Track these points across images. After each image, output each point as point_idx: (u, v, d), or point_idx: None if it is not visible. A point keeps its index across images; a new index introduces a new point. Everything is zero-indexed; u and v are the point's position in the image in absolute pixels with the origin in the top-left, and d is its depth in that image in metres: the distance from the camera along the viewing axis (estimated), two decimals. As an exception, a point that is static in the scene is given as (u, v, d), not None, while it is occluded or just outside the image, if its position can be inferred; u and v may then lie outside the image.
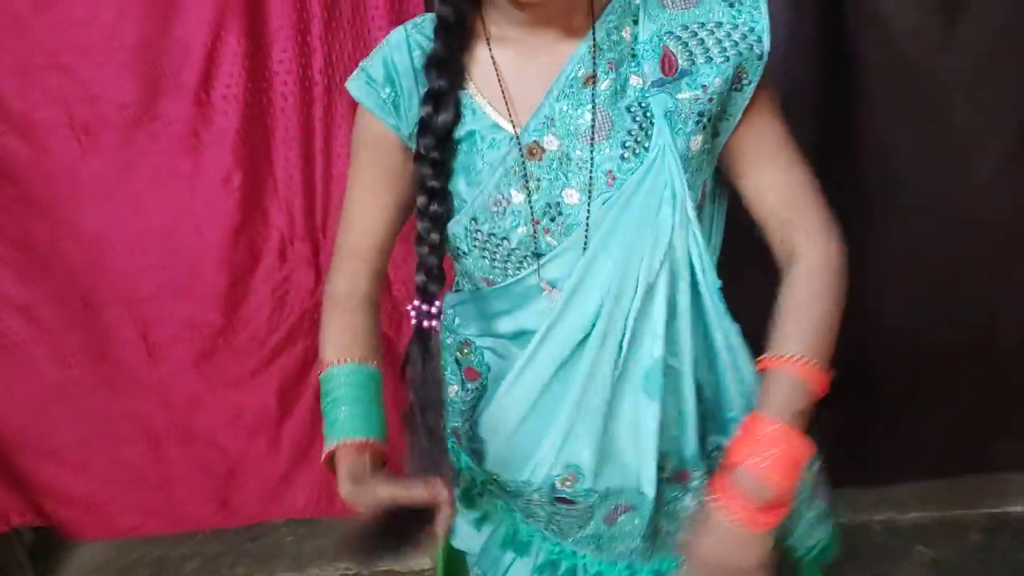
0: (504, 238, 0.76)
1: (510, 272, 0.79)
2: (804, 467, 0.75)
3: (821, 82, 1.34)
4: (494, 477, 0.87)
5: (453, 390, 0.92)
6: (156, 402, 1.44)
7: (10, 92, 1.20)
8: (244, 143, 1.25)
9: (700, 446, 0.82)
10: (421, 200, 0.75)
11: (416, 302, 0.77)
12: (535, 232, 0.75)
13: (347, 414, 0.78)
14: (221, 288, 1.35)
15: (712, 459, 0.84)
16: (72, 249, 1.32)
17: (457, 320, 0.89)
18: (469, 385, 0.90)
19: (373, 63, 0.77)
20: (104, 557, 1.80)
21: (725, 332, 0.78)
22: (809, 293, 0.76)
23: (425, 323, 0.77)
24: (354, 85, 0.78)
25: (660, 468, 0.81)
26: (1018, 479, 1.95)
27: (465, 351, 0.89)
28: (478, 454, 0.88)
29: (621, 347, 0.76)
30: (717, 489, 0.74)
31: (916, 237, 1.53)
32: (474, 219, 0.76)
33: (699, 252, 0.75)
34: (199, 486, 1.53)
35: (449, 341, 0.90)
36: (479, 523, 0.97)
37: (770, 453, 0.71)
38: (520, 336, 0.82)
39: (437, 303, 0.77)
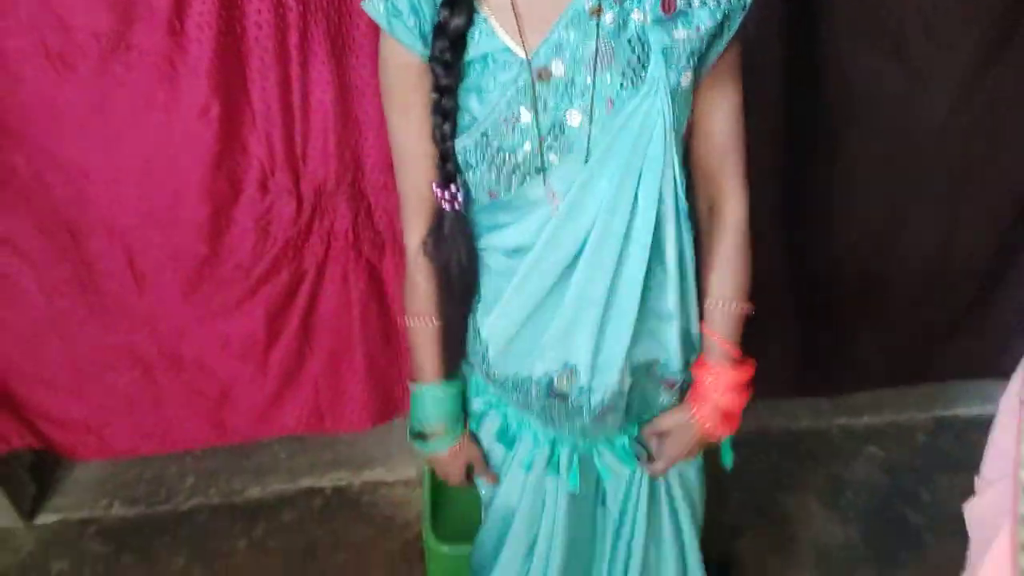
0: (511, 152, 0.84)
1: (515, 185, 0.86)
2: (748, 385, 0.97)
3: (785, 13, 1.37)
4: (493, 374, 0.99)
5: None
6: (146, 331, 1.48)
7: (-21, 21, 1.18)
8: (219, 72, 1.24)
9: (681, 353, 0.96)
10: (434, 97, 0.83)
11: (438, 188, 0.89)
12: (540, 149, 0.83)
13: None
14: (203, 219, 1.36)
15: (686, 368, 0.99)
16: (54, 180, 1.32)
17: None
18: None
19: None
20: (103, 474, 1.89)
21: (685, 248, 0.91)
22: (738, 245, 0.94)
23: (448, 206, 0.89)
24: (377, 13, 0.82)
25: (648, 369, 0.96)
26: (963, 386, 2.10)
27: None
28: (481, 354, 0.99)
29: (617, 254, 0.86)
30: (692, 405, 0.98)
31: (876, 159, 1.60)
32: (485, 134, 0.83)
33: (679, 178, 0.85)
34: (192, 409, 1.59)
35: None
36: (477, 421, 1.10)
37: (726, 384, 0.95)
38: (519, 251, 0.91)
39: (453, 189, 0.88)
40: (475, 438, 1.10)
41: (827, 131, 1.55)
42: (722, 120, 0.89)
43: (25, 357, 1.48)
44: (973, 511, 0.71)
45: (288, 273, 1.44)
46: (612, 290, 0.88)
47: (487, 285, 0.97)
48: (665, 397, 1.01)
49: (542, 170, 0.84)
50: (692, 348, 0.98)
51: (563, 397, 0.96)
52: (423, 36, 0.81)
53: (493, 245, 0.93)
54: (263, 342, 1.51)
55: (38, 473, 1.83)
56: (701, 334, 0.97)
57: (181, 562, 1.69)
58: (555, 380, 0.95)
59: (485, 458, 1.10)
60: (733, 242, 0.94)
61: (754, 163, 1.52)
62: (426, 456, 1.09)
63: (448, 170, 0.87)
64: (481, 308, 0.98)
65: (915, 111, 1.54)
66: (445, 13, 0.80)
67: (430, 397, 1.03)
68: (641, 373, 0.96)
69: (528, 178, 0.86)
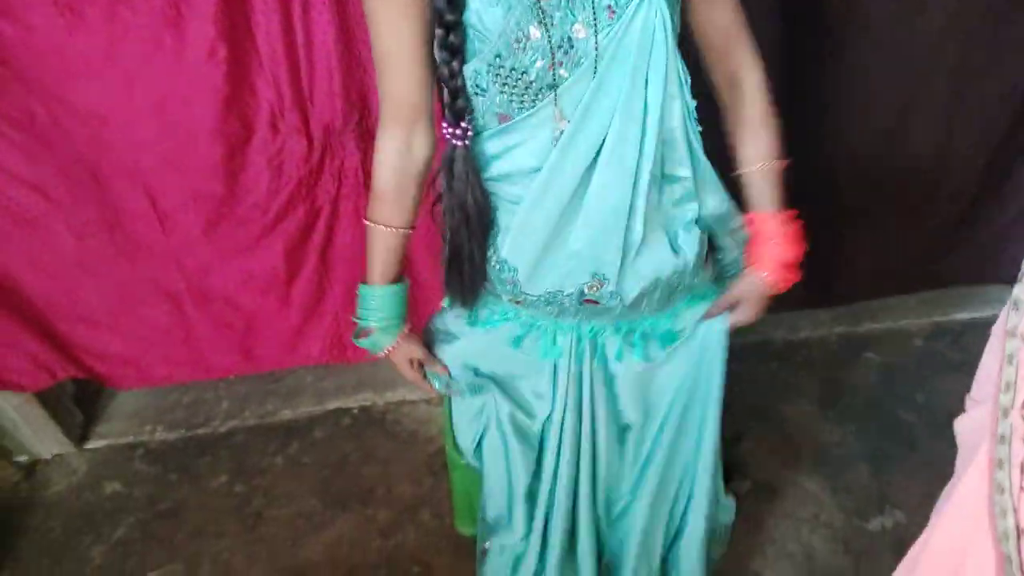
0: (524, 72, 0.85)
1: (526, 105, 0.88)
2: (800, 236, 1.05)
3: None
4: (526, 297, 1.02)
5: None
6: (172, 267, 1.56)
7: (-13, -29, 1.20)
8: (224, 16, 1.26)
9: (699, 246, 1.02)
10: (439, 33, 0.84)
11: (447, 127, 0.90)
12: (552, 65, 0.85)
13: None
14: (218, 159, 1.41)
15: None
16: (72, 126, 1.36)
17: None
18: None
19: None
20: (143, 402, 2.01)
21: (694, 144, 0.95)
22: (763, 107, 1.01)
23: (457, 143, 0.90)
24: None
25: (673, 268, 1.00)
26: (960, 291, 2.15)
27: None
28: (509, 280, 1.01)
29: (636, 159, 0.89)
30: (755, 266, 1.05)
31: (878, 71, 1.60)
32: (498, 55, 0.85)
33: (683, 75, 0.89)
34: (221, 339, 1.68)
35: None
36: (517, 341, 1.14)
37: (782, 235, 1.03)
38: (531, 173, 0.92)
39: (464, 124, 0.89)
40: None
41: (828, 38, 1.55)
42: (721, 8, 0.94)
43: (62, 295, 1.57)
44: (962, 425, 0.77)
45: (303, 210, 1.50)
46: (635, 194, 0.91)
47: (502, 213, 0.98)
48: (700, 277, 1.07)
49: (554, 86, 0.86)
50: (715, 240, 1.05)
51: (595, 302, 1.01)
52: None
53: (503, 172, 0.94)
54: (284, 276, 1.59)
55: (83, 403, 1.96)
56: (742, 201, 1.04)
57: (224, 479, 1.83)
58: (586, 290, 0.99)
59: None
60: (759, 106, 1.00)
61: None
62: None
63: (459, 107, 0.88)
64: (501, 236, 0.99)
65: (914, 26, 1.53)
66: None
67: (370, 297, 1.04)
68: (668, 273, 1.00)
69: (540, 95, 0.87)
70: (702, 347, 1.14)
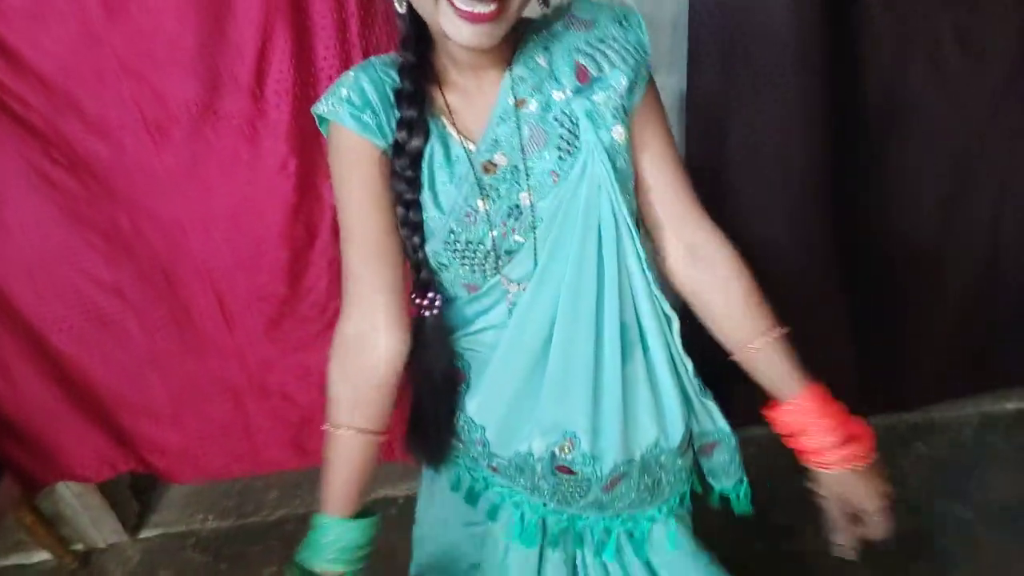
0: (480, 243, 0.86)
1: (488, 273, 0.89)
2: (838, 402, 0.91)
3: (828, 27, 1.45)
4: (496, 460, 0.96)
5: None
6: (235, 364, 1.63)
7: (87, 97, 1.32)
8: (297, 132, 1.38)
9: (682, 420, 0.93)
10: (400, 212, 0.86)
11: (415, 297, 0.90)
12: (504, 233, 0.86)
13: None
14: (283, 262, 1.50)
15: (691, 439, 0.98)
16: (152, 233, 1.48)
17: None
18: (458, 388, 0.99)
19: (350, 91, 0.85)
20: (195, 491, 2.06)
21: (657, 297, 0.91)
22: (733, 271, 0.91)
23: (427, 313, 0.90)
24: (335, 111, 0.84)
25: (654, 445, 0.92)
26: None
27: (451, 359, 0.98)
28: (479, 441, 0.96)
29: (594, 311, 0.87)
30: (814, 462, 0.91)
31: (920, 167, 1.65)
32: (452, 231, 0.86)
33: (634, 230, 0.88)
34: (277, 434, 1.74)
35: None
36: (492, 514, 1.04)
37: (824, 417, 0.89)
38: (498, 332, 0.91)
39: (431, 294, 0.89)
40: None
41: (869, 139, 1.61)
42: (658, 155, 0.90)
43: (130, 391, 1.64)
44: None
45: (361, 308, 1.57)
46: (598, 347, 0.88)
47: (475, 370, 0.95)
48: (683, 462, 0.98)
49: (512, 251, 0.87)
50: (692, 412, 0.96)
51: (569, 470, 0.92)
52: (381, 130, 0.85)
53: (480, 328, 0.94)
54: (340, 370, 1.65)
55: (138, 492, 2.01)
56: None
57: (274, 568, 1.84)
58: (557, 453, 0.91)
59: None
60: (729, 272, 0.91)
61: (799, 174, 1.52)
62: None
63: (423, 279, 0.89)
64: (469, 395, 0.95)
65: (955, 113, 1.59)
66: (403, 136, 0.83)
67: (333, 533, 0.89)
68: (647, 447, 0.93)
69: (501, 262, 0.88)
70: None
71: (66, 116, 1.34)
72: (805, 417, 0.90)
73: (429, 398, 0.95)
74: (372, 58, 0.90)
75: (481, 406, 0.94)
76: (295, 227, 1.47)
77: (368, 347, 0.88)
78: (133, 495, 1.99)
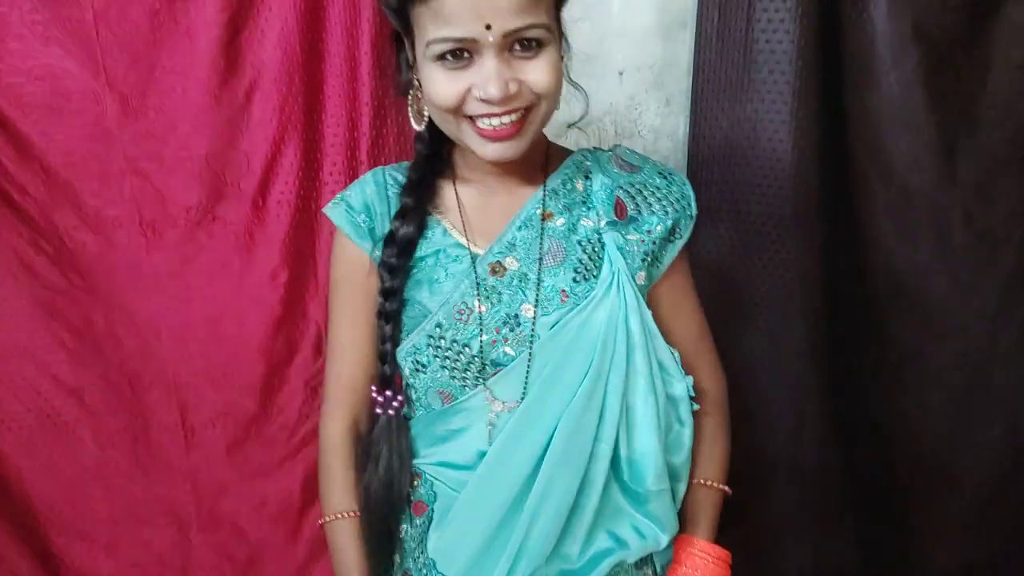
0: (465, 345, 0.83)
1: (468, 384, 0.84)
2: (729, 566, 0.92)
3: (829, 208, 1.44)
4: None
5: (402, 529, 0.93)
6: (187, 486, 1.49)
7: (89, 192, 1.32)
8: (292, 244, 1.37)
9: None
10: (379, 300, 0.87)
11: (375, 392, 0.90)
12: (495, 340, 0.83)
13: None
14: (258, 377, 1.43)
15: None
16: (125, 336, 1.41)
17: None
18: (417, 521, 0.92)
19: (352, 193, 0.89)
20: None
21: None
22: (718, 423, 0.97)
23: (388, 411, 0.89)
24: (333, 211, 0.90)
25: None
26: None
27: (414, 483, 0.92)
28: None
29: (588, 454, 0.82)
30: None
31: (928, 358, 1.58)
32: (439, 325, 0.84)
33: (657, 359, 0.86)
34: (219, 572, 1.55)
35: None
36: None
37: (700, 570, 0.89)
38: (472, 463, 0.85)
39: (388, 393, 0.88)
40: None
41: (873, 323, 1.56)
42: (685, 318, 0.95)
43: (68, 507, 1.49)
44: None
45: (331, 436, 1.46)
46: (581, 492, 0.82)
47: (440, 503, 0.89)
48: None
49: (498, 363, 0.83)
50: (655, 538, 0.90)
51: None
52: (372, 234, 0.86)
53: (441, 458, 0.89)
54: (298, 505, 1.50)
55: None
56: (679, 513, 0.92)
57: None
58: None
59: None
60: (714, 420, 0.97)
61: (804, 367, 1.49)
62: None
63: (387, 373, 0.89)
64: (432, 527, 0.89)
65: (964, 305, 1.54)
66: (397, 223, 0.85)
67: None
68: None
69: (484, 373, 0.84)
70: None
71: (63, 208, 1.33)
72: (695, 558, 0.90)
73: (379, 510, 0.89)
74: (386, 166, 0.93)
75: (445, 552, 0.86)
76: (276, 341, 1.41)
77: (352, 439, 0.94)
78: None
